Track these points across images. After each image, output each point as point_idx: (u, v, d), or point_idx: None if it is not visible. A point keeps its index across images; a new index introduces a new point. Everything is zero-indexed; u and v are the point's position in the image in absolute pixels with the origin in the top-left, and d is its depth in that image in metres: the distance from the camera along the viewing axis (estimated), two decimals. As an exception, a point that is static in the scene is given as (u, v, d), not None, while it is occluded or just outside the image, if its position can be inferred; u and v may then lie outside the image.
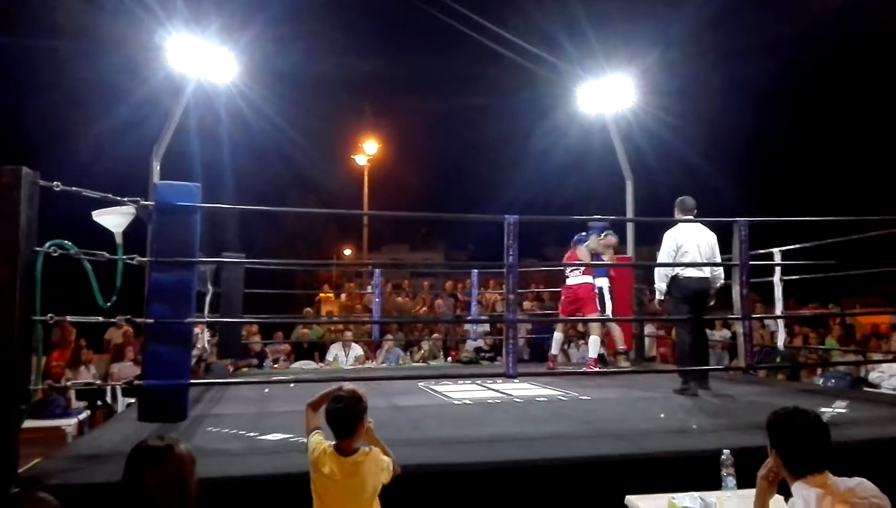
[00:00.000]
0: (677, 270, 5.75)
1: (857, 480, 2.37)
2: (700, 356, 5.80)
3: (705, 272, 5.77)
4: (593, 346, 7.44)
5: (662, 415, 4.62)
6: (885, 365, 6.44)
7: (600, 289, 7.77)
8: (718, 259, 5.80)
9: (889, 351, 7.23)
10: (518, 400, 5.51)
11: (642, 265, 8.89)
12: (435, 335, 10.43)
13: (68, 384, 5.26)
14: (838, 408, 4.69)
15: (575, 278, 7.56)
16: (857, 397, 5.49)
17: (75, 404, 7.09)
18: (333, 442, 2.72)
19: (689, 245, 5.70)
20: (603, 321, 7.69)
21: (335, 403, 2.73)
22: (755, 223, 5.22)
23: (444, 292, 12.79)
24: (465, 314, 10.65)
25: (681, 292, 5.75)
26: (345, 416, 2.71)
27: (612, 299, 7.86)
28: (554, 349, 7.83)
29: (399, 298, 12.47)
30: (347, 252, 36.07)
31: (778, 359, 7.62)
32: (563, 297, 7.75)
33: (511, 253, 4.88)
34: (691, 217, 5.83)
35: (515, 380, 5.95)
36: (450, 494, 3.25)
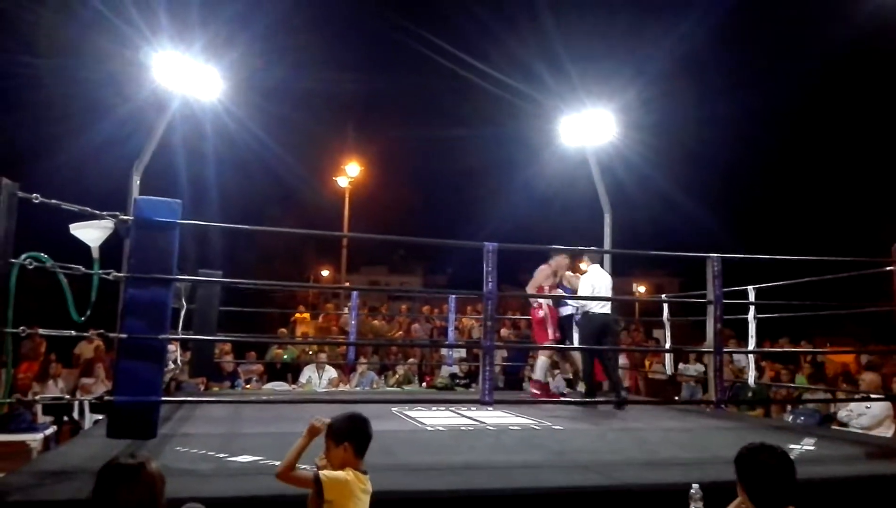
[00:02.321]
0: (589, 306, 7.14)
1: (821, 517, 2.41)
2: (612, 374, 7.22)
3: (608, 309, 7.17)
4: (540, 369, 7.62)
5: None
6: (853, 404, 6.53)
7: (570, 316, 7.67)
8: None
9: (858, 391, 7.33)
10: (491, 428, 5.51)
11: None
12: (411, 360, 10.39)
13: (36, 397, 5.18)
14: (806, 445, 4.74)
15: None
16: (826, 435, 5.56)
17: (42, 418, 6.97)
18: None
19: (600, 287, 7.14)
20: (565, 350, 7.75)
21: (360, 422, 2.80)
22: (729, 260, 5.32)
23: (421, 317, 12.78)
24: (442, 340, 10.65)
25: (592, 325, 7.08)
26: (369, 433, 2.80)
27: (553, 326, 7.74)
28: (538, 375, 7.79)
29: (375, 321, 12.43)
30: (325, 273, 35.94)
31: (749, 394, 7.70)
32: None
33: (490, 280, 4.91)
34: (598, 265, 7.39)
35: (490, 408, 5.96)
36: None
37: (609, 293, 7.35)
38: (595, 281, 7.20)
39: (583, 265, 7.59)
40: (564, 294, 7.66)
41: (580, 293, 7.31)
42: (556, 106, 9.44)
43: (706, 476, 3.34)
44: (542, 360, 7.66)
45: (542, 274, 7.71)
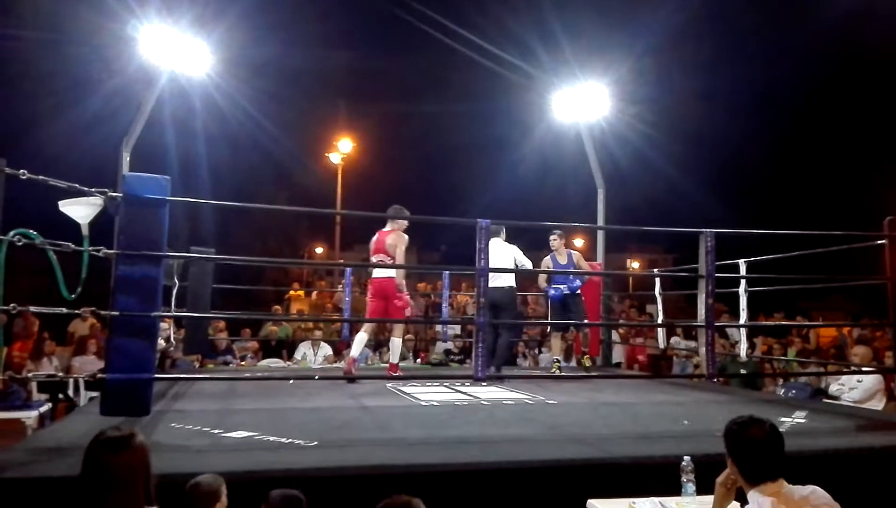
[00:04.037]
0: None
1: (810, 488, 2.43)
2: (499, 347, 7.32)
3: (499, 283, 6.92)
4: (395, 350, 6.98)
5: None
6: (844, 377, 6.56)
7: (580, 295, 7.53)
8: (527, 266, 7.51)
9: (849, 363, 7.39)
10: (485, 403, 5.53)
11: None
12: (407, 337, 10.39)
13: (30, 375, 5.17)
14: (798, 418, 4.78)
15: (381, 271, 6.76)
16: (817, 408, 5.60)
17: (36, 396, 6.98)
18: None
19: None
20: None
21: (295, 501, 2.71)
22: (722, 235, 5.32)
23: (416, 294, 12.78)
24: (436, 316, 10.65)
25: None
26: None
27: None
28: (354, 352, 6.83)
29: (370, 298, 12.41)
30: (319, 250, 35.89)
31: (741, 370, 7.75)
32: (370, 291, 6.99)
33: (483, 257, 4.91)
34: (501, 238, 7.23)
35: (483, 383, 6.00)
36: (413, 495, 3.25)
37: (507, 265, 7.13)
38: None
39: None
40: (577, 270, 7.59)
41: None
42: (550, 80, 9.37)
43: (698, 448, 3.37)
44: (395, 341, 7.01)
45: (402, 241, 6.71)
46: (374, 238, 6.90)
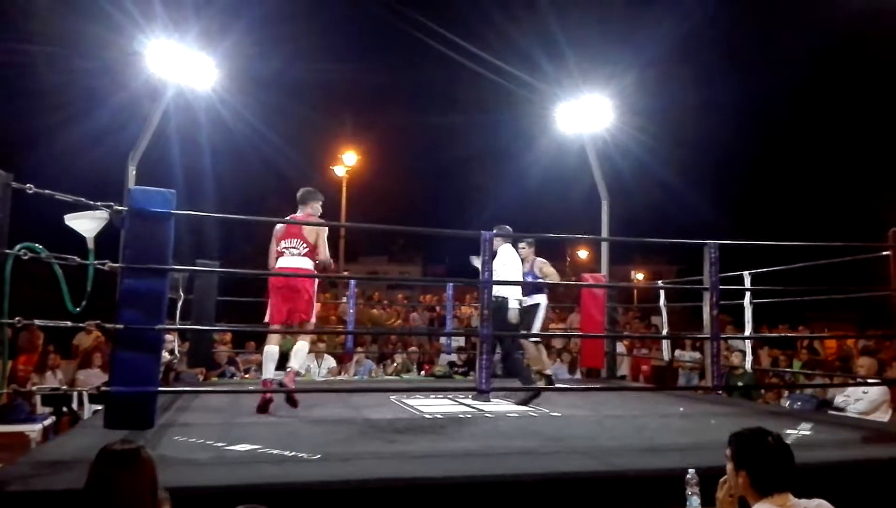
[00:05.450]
0: (503, 293, 6.31)
1: (816, 502, 2.42)
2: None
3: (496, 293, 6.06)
4: (298, 354, 5.83)
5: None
6: (850, 389, 6.53)
7: (537, 305, 6.93)
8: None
9: (854, 375, 7.35)
10: (489, 415, 5.52)
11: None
12: (412, 349, 10.39)
13: (34, 388, 5.17)
14: (803, 430, 4.76)
15: (291, 258, 5.73)
16: (822, 420, 5.58)
17: (40, 409, 6.98)
18: None
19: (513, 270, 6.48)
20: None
21: None
22: (726, 246, 5.32)
23: (420, 306, 12.79)
24: (440, 328, 10.65)
25: (503, 313, 6.31)
26: None
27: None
28: (267, 373, 5.67)
29: (374, 310, 12.44)
30: (324, 262, 35.85)
31: (738, 382, 7.73)
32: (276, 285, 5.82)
33: (487, 269, 4.91)
34: (509, 245, 6.62)
35: (487, 395, 5.98)
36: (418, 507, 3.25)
37: (518, 277, 6.59)
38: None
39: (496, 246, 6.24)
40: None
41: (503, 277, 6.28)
42: (553, 92, 9.42)
43: (703, 461, 3.35)
44: (302, 345, 5.99)
45: (323, 230, 5.86)
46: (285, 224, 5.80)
